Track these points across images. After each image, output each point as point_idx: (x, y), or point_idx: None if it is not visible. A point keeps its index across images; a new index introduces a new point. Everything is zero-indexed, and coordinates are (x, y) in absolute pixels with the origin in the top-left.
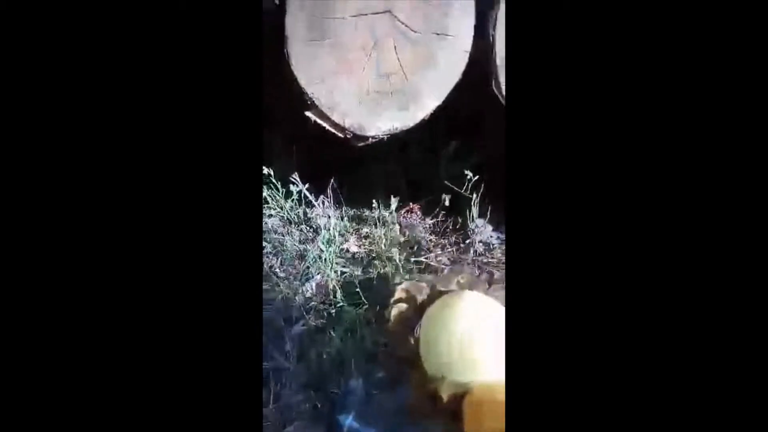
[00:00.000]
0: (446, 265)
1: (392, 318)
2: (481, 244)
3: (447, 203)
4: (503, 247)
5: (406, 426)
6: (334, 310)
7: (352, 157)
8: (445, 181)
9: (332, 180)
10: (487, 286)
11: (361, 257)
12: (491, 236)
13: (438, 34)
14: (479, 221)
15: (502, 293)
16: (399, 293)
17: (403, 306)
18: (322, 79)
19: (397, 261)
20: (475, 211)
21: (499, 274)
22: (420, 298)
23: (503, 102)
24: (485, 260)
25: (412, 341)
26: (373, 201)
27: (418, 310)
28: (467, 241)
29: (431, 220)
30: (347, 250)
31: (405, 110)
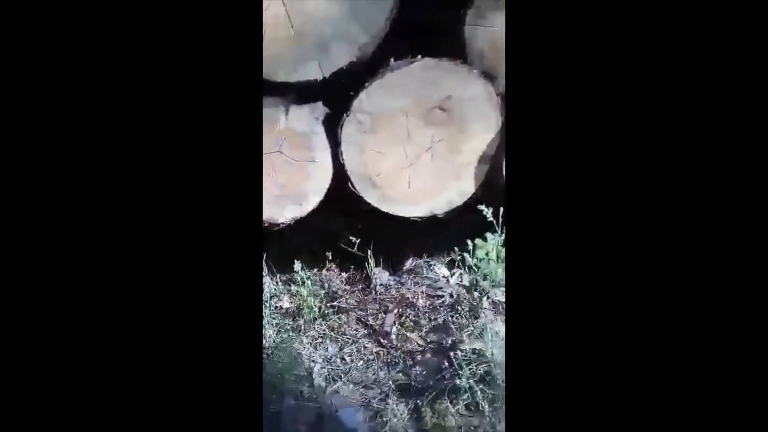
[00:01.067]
0: (353, 305)
1: None
2: (381, 286)
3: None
4: (397, 287)
5: None
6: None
7: (272, 237)
8: (341, 245)
9: (264, 255)
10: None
11: (292, 310)
12: (389, 279)
13: None
14: (377, 270)
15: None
16: None
17: None
18: None
19: (317, 308)
20: (372, 262)
21: (392, 306)
22: None
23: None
24: (383, 298)
25: None
26: (296, 265)
27: None
28: (371, 286)
29: (345, 273)
30: (281, 307)
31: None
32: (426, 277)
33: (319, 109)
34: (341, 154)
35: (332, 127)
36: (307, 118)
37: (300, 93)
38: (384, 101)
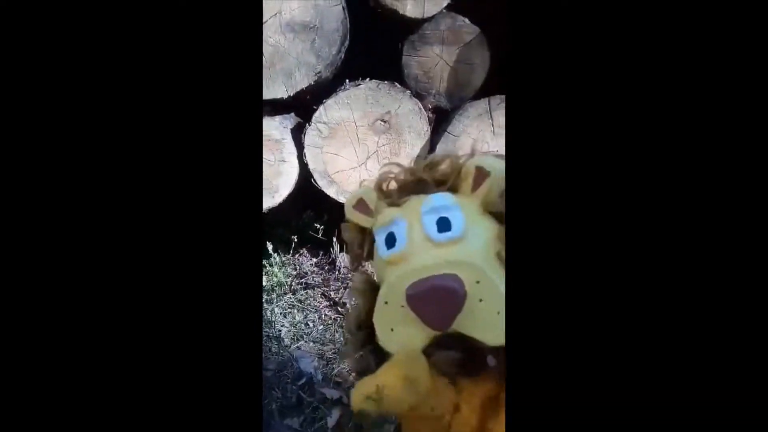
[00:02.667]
0: (319, 283)
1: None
2: (345, 268)
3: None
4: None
5: None
6: None
7: None
8: (310, 233)
9: None
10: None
11: (267, 287)
12: None
13: None
14: (341, 254)
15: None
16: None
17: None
18: None
19: (287, 284)
20: (337, 247)
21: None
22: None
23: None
24: (345, 277)
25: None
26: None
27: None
28: (335, 267)
29: (315, 259)
30: None
31: (271, 197)
32: None
33: (288, 119)
34: (305, 156)
35: (298, 134)
36: (278, 127)
37: (272, 107)
38: (338, 114)
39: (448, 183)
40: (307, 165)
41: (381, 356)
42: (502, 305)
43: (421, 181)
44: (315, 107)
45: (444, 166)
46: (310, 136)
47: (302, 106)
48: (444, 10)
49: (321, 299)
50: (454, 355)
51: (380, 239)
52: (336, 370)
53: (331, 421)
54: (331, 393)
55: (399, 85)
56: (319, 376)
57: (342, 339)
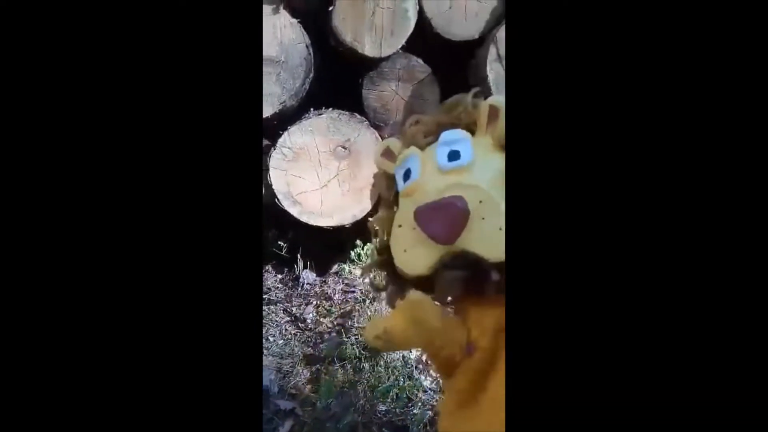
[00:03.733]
0: (281, 299)
1: None
2: (308, 285)
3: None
4: (320, 284)
5: None
6: None
7: None
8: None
9: None
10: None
11: None
12: (315, 279)
13: None
14: (305, 272)
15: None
16: None
17: None
18: None
19: None
20: (301, 264)
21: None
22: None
23: None
24: (305, 292)
25: None
26: None
27: None
28: (298, 284)
29: (280, 275)
30: None
31: None
32: (345, 277)
33: None
34: (269, 177)
35: (264, 157)
36: None
37: None
38: (302, 139)
39: (464, 122)
40: (271, 186)
41: (395, 278)
42: (503, 222)
43: (441, 124)
44: (280, 132)
45: (460, 108)
46: (275, 159)
47: (268, 132)
48: (400, 51)
49: (283, 315)
50: (460, 274)
51: (399, 175)
52: (292, 383)
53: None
54: (285, 404)
55: (358, 116)
56: (275, 389)
57: (300, 353)
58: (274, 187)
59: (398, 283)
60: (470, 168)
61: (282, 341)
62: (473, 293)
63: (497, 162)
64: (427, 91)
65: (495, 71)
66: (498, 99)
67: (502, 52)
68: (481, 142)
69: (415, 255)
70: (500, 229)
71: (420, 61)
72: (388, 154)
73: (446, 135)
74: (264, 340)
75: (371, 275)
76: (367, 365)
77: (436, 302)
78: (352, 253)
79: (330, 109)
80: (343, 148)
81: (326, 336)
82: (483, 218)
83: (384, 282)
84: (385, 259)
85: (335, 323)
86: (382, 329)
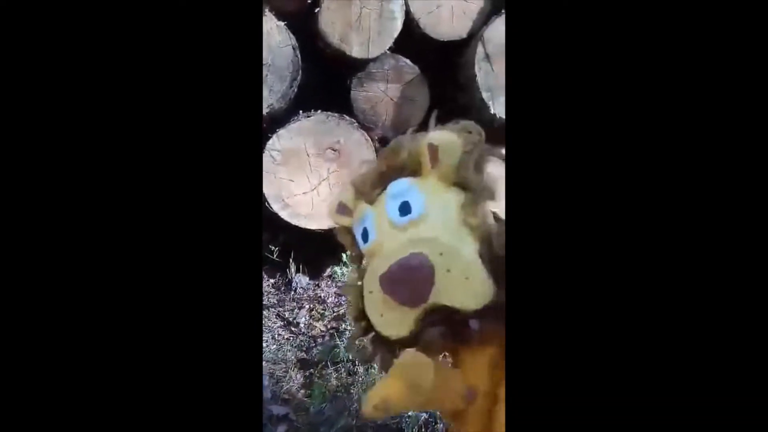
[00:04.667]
0: (274, 303)
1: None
2: (301, 288)
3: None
4: (314, 288)
5: None
6: None
7: None
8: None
9: None
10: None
11: None
12: (308, 283)
13: None
14: (297, 276)
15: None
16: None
17: None
18: None
19: None
20: (294, 268)
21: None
22: None
23: None
24: (298, 296)
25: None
26: None
27: None
28: (291, 287)
29: (272, 279)
30: None
31: None
32: (338, 279)
33: None
34: None
35: None
36: None
37: None
38: (291, 142)
39: (409, 168)
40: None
41: (381, 343)
42: (469, 270)
43: (385, 172)
44: (269, 135)
45: (402, 153)
46: (264, 163)
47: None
48: (387, 51)
49: (275, 319)
50: (440, 329)
51: (358, 234)
52: (285, 388)
53: None
54: (279, 410)
55: (348, 117)
56: (268, 394)
57: (293, 357)
58: (264, 190)
59: (385, 345)
60: (424, 219)
61: (275, 346)
62: (459, 343)
63: (450, 200)
64: (416, 91)
65: (483, 70)
66: (435, 135)
67: (490, 50)
68: (428, 184)
69: (393, 319)
70: (466, 278)
71: (408, 61)
72: (342, 209)
73: (393, 187)
74: None
75: (355, 349)
76: (360, 369)
77: (429, 358)
78: (344, 256)
79: (319, 111)
80: (333, 150)
81: (319, 340)
82: (448, 270)
83: (371, 349)
84: (365, 326)
85: (328, 327)
86: (379, 399)
